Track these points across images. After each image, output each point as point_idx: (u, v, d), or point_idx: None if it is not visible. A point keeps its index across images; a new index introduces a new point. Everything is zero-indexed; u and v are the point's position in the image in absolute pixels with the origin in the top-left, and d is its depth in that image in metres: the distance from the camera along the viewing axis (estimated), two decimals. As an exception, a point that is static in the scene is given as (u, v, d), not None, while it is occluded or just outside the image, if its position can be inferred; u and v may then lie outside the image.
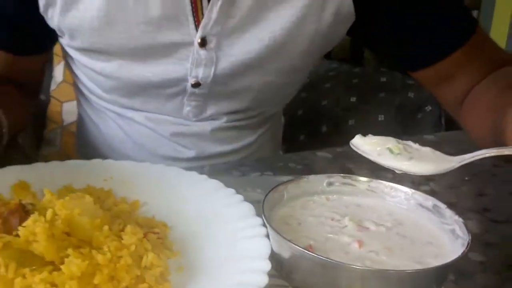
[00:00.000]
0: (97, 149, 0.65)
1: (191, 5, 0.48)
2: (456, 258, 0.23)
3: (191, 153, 0.58)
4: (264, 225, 0.31)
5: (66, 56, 0.60)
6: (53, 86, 0.98)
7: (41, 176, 0.40)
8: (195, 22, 0.49)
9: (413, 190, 0.31)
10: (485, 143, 0.54)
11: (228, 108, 0.57)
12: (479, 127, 0.53)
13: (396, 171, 0.31)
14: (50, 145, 0.96)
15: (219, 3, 0.48)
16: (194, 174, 0.40)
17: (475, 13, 3.49)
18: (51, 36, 0.55)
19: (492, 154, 0.31)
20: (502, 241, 0.36)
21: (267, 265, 0.25)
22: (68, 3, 0.49)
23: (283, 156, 0.54)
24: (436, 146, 0.66)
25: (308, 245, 0.26)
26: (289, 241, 0.24)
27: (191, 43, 0.50)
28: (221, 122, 0.58)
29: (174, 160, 0.57)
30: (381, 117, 0.92)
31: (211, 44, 0.51)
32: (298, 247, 0.24)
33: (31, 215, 0.26)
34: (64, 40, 0.55)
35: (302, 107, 0.95)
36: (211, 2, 0.47)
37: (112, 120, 0.62)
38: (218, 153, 0.58)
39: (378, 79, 0.97)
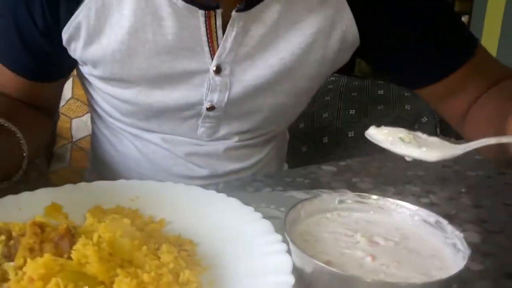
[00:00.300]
0: (111, 166, 0.67)
1: (207, 36, 0.50)
2: (459, 271, 0.26)
3: (204, 172, 0.61)
4: (283, 241, 0.34)
5: (83, 79, 0.61)
6: (62, 103, 1.00)
7: (71, 197, 0.42)
8: (210, 51, 0.52)
9: (417, 207, 0.34)
10: (488, 153, 0.57)
11: (239, 128, 0.59)
12: (481, 138, 0.56)
13: (407, 158, 0.35)
14: (60, 160, 0.98)
15: (233, 34, 0.50)
16: (213, 193, 0.43)
17: (465, 18, 3.55)
18: (71, 64, 0.57)
19: (493, 142, 0.34)
20: (498, 251, 0.39)
21: (291, 279, 0.28)
22: (91, 37, 0.51)
23: (291, 171, 0.57)
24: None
25: (326, 260, 0.29)
26: (311, 257, 0.27)
27: (206, 71, 0.53)
28: (233, 141, 0.61)
29: (188, 178, 0.60)
30: (379, 129, 0.95)
31: (225, 71, 0.53)
32: (319, 263, 0.27)
33: (79, 239, 0.29)
34: (85, 69, 0.57)
35: (304, 120, 0.98)
36: (226, 33, 0.50)
37: (128, 140, 0.64)
38: (230, 171, 0.61)
39: (375, 92, 1.00)
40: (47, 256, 0.25)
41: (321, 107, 0.98)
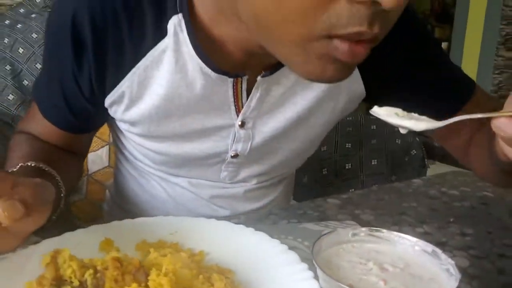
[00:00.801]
0: (136, 203, 0.71)
1: (233, 97, 0.55)
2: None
3: (226, 212, 0.66)
4: (309, 269, 0.41)
5: (115, 128, 0.65)
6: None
7: (119, 233, 0.48)
8: (236, 109, 0.57)
9: (416, 239, 0.41)
10: (490, 178, 0.64)
11: (258, 172, 0.65)
12: (481, 163, 0.61)
13: (401, 130, 0.42)
14: (78, 193, 1.04)
15: (257, 95, 0.56)
16: (242, 227, 0.50)
17: (445, 44, 3.69)
18: (109, 118, 0.61)
19: (477, 116, 0.39)
20: (483, 273, 0.46)
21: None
22: (132, 103, 0.56)
23: (301, 204, 0.64)
24: (422, 188, 0.78)
25: (349, 284, 0.36)
26: (337, 281, 0.34)
27: (232, 125, 0.58)
28: (252, 184, 0.67)
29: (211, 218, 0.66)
30: (374, 162, 1.03)
31: (249, 124, 0.59)
32: (345, 286, 0.34)
33: (150, 271, 0.36)
34: (122, 125, 0.61)
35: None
36: (251, 95, 0.56)
37: (156, 182, 0.68)
38: (249, 211, 0.67)
39: (369, 127, 1.09)
40: (134, 285, 0.32)
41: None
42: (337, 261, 0.40)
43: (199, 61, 0.51)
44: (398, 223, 0.59)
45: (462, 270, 0.45)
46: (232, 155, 0.61)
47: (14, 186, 0.38)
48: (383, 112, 0.44)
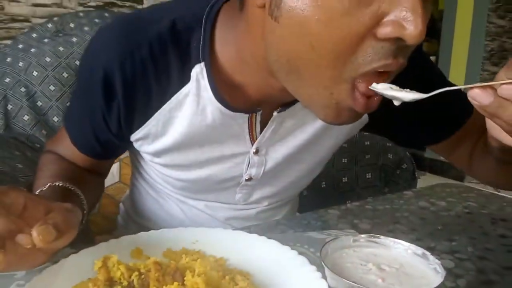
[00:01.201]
0: (154, 221, 0.75)
1: (249, 129, 0.60)
2: (438, 285, 0.40)
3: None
4: (318, 270, 0.47)
5: (137, 155, 0.70)
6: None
7: (146, 242, 0.53)
8: (250, 139, 0.61)
9: (408, 243, 0.48)
10: (494, 181, 0.69)
11: (269, 193, 0.70)
12: (484, 169, 0.66)
13: (394, 102, 0.45)
14: (91, 207, 1.09)
15: (272, 127, 0.60)
16: (255, 236, 0.56)
17: (433, 58, 3.78)
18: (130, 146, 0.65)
19: (457, 88, 0.43)
20: (466, 273, 0.52)
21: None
22: (156, 137, 0.60)
23: (305, 215, 0.70)
24: (413, 199, 0.85)
25: (352, 281, 0.42)
26: (343, 278, 0.41)
27: (247, 152, 0.63)
28: (263, 205, 0.72)
29: None
30: (368, 175, 1.10)
31: (262, 151, 0.63)
32: (350, 282, 0.40)
33: (185, 273, 0.42)
34: (146, 156, 0.66)
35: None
36: (266, 127, 0.60)
37: (174, 203, 0.72)
38: None
39: (363, 143, 1.15)
40: (175, 284, 0.38)
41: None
42: (341, 263, 0.46)
43: (218, 104, 0.56)
44: (392, 231, 0.65)
45: (448, 270, 0.51)
46: (247, 178, 0.66)
47: (48, 211, 0.43)
48: (380, 87, 0.46)
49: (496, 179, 0.69)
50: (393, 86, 0.45)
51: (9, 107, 1.14)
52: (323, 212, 0.72)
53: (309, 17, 0.40)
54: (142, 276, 0.40)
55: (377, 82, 0.45)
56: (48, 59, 1.20)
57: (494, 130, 0.43)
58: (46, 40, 1.24)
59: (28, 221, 0.41)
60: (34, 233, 0.40)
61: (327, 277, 0.43)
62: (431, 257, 0.45)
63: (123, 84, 0.55)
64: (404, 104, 0.61)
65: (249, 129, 0.60)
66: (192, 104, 0.56)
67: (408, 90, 0.45)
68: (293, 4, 0.41)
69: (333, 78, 0.43)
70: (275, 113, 0.59)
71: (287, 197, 0.76)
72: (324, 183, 1.10)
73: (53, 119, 1.16)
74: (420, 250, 0.47)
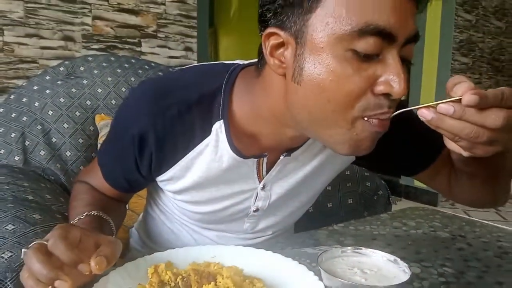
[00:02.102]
0: (167, 248, 0.79)
1: (257, 170, 0.69)
2: (406, 280, 0.53)
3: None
4: (315, 275, 0.60)
5: (156, 188, 0.77)
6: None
7: (173, 258, 0.63)
8: (258, 178, 0.70)
9: (384, 253, 0.61)
10: (473, 201, 0.77)
11: (273, 222, 0.79)
12: (461, 192, 0.74)
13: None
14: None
15: (277, 168, 0.69)
16: (263, 251, 0.67)
17: (404, 96, 3.97)
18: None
19: (401, 111, 0.56)
20: (429, 276, 0.65)
21: (325, 292, 0.54)
22: (178, 179, 0.69)
23: (300, 235, 0.82)
24: (388, 220, 0.99)
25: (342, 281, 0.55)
26: (337, 277, 0.53)
27: (255, 188, 0.71)
28: (268, 234, 0.81)
29: None
30: (350, 201, 1.23)
31: (268, 187, 0.72)
32: (342, 280, 0.53)
33: (216, 277, 0.54)
34: (169, 194, 0.74)
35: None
36: (272, 169, 0.69)
37: (187, 233, 0.80)
38: None
39: (344, 172, 1.29)
40: (212, 284, 0.50)
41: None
42: (333, 269, 0.59)
43: (233, 154, 0.65)
44: (371, 246, 0.78)
45: (415, 274, 0.65)
46: (254, 209, 0.75)
47: (97, 243, 0.53)
48: None
49: (471, 197, 0.76)
50: None
51: (27, 143, 1.24)
52: (314, 232, 0.85)
53: (324, 79, 0.52)
54: (185, 279, 0.51)
55: (383, 124, 0.56)
56: (62, 100, 1.31)
57: (446, 142, 0.53)
58: (59, 82, 1.36)
59: (83, 252, 0.51)
60: (92, 263, 0.50)
61: (323, 279, 0.56)
62: (401, 262, 0.58)
63: (155, 139, 0.63)
64: (386, 145, 0.68)
65: (257, 170, 0.69)
66: (211, 153, 0.66)
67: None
68: (312, 71, 0.53)
69: (346, 119, 0.54)
70: (281, 157, 0.68)
71: (287, 226, 0.87)
72: (311, 208, 1.22)
73: (66, 153, 1.26)
74: (392, 257, 0.60)
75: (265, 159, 0.69)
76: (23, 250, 0.50)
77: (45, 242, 0.51)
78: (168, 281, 0.51)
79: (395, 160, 0.76)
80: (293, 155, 0.69)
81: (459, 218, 0.96)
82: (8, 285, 0.64)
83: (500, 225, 0.92)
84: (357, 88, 0.52)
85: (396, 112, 0.56)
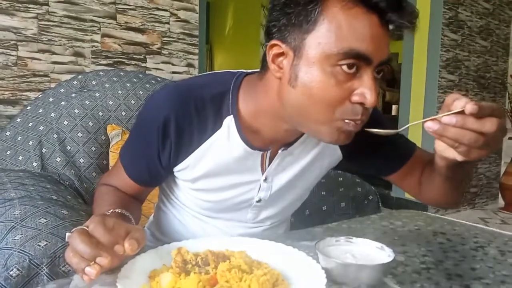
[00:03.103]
0: (176, 238, 0.91)
1: (261, 162, 0.79)
2: (390, 261, 0.62)
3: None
4: (313, 258, 0.68)
5: (171, 183, 0.86)
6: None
7: (190, 247, 0.73)
8: (261, 170, 0.80)
9: (373, 241, 0.70)
10: (440, 201, 0.87)
11: (272, 213, 0.88)
12: (430, 191, 0.84)
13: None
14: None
15: (277, 161, 0.79)
16: (268, 241, 0.76)
17: (395, 106, 4.02)
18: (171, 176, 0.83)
19: (411, 124, 0.71)
20: (412, 263, 0.74)
21: (322, 272, 0.63)
22: (193, 168, 0.78)
23: (298, 232, 0.91)
24: (377, 220, 1.09)
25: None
26: (332, 258, 0.63)
27: (258, 180, 0.81)
28: (267, 224, 0.90)
29: None
30: (342, 204, 1.31)
31: (269, 179, 0.81)
32: (337, 260, 0.62)
33: (230, 258, 0.62)
34: (184, 184, 0.83)
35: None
36: (272, 162, 0.79)
37: (197, 225, 0.88)
38: None
39: (337, 179, 1.38)
40: (227, 262, 0.59)
41: (302, 190, 1.35)
42: (329, 254, 0.68)
43: (243, 143, 0.76)
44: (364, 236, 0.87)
45: (399, 261, 0.74)
46: (257, 200, 0.84)
47: (127, 230, 0.62)
48: None
49: (441, 196, 0.86)
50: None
51: (44, 150, 1.32)
52: (311, 229, 0.93)
53: (313, 87, 0.64)
54: (203, 259, 0.60)
55: (356, 126, 0.68)
56: (76, 111, 1.40)
57: (442, 149, 0.63)
58: (73, 95, 1.45)
59: (116, 237, 0.60)
60: (126, 244, 0.59)
61: (320, 261, 0.65)
62: (387, 248, 0.67)
63: (176, 129, 0.73)
64: (365, 147, 0.84)
65: (260, 163, 0.80)
66: (223, 144, 0.75)
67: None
68: (304, 79, 0.64)
69: (328, 119, 0.66)
70: (280, 151, 0.79)
71: (283, 218, 0.96)
72: (307, 211, 1.30)
73: (80, 160, 1.34)
74: (380, 245, 0.69)
75: (268, 153, 0.79)
76: (67, 233, 0.58)
77: (85, 228, 0.59)
78: (190, 260, 0.60)
79: (372, 161, 0.88)
80: (289, 149, 0.80)
81: (441, 219, 1.05)
82: (44, 269, 0.72)
83: (477, 225, 1.02)
84: (337, 97, 0.64)
85: (405, 126, 0.70)
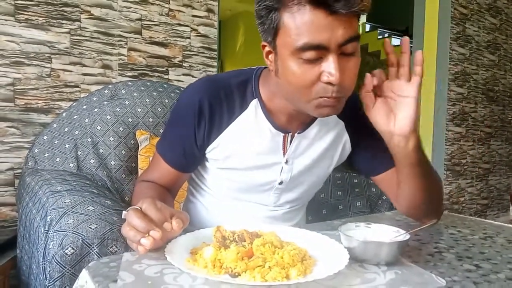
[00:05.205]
0: (203, 226, 0.95)
1: (283, 144, 0.89)
2: (407, 239, 0.69)
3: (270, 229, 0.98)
4: (337, 240, 0.75)
5: (201, 171, 0.96)
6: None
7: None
8: (283, 152, 0.89)
9: (389, 226, 0.77)
10: (412, 211, 0.93)
11: (291, 198, 0.97)
12: (404, 198, 0.91)
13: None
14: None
15: (295, 144, 0.89)
16: (291, 227, 0.84)
17: None
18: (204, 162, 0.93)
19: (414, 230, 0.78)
20: (425, 248, 0.81)
21: (345, 251, 0.70)
22: (225, 145, 0.88)
23: (320, 224, 0.97)
24: (392, 215, 1.16)
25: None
26: (353, 237, 0.69)
27: (281, 162, 0.90)
28: (286, 208, 0.97)
29: None
30: (358, 204, 1.37)
31: (290, 161, 0.90)
32: (359, 239, 0.69)
33: (261, 236, 0.70)
34: (214, 163, 0.92)
35: (310, 199, 1.39)
36: (291, 143, 0.88)
37: (223, 209, 0.97)
38: None
39: (352, 180, 1.44)
40: (261, 238, 0.66)
41: (319, 191, 1.39)
42: (349, 235, 0.75)
43: (269, 124, 0.87)
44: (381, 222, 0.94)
45: (413, 247, 0.80)
46: (279, 182, 0.93)
47: (171, 212, 0.70)
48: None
49: (414, 211, 0.93)
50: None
51: (79, 153, 1.41)
52: (330, 222, 1.01)
53: (290, 75, 0.75)
54: (240, 236, 0.68)
55: (334, 101, 0.77)
56: (108, 117, 1.49)
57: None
58: (105, 103, 1.54)
59: (165, 216, 0.68)
60: (174, 222, 0.67)
61: (342, 241, 0.72)
62: (401, 230, 0.74)
63: (209, 110, 0.85)
64: (367, 144, 0.95)
65: (282, 146, 0.90)
66: (250, 123, 0.87)
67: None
68: (283, 71, 0.77)
69: (308, 98, 0.77)
70: (296, 134, 0.89)
71: (300, 203, 1.03)
72: (324, 210, 1.36)
73: (111, 163, 1.43)
74: (395, 229, 0.76)
75: (288, 136, 0.89)
76: (123, 212, 0.67)
77: (138, 207, 0.67)
78: (228, 236, 0.68)
79: (362, 162, 0.98)
80: (304, 133, 0.91)
81: (452, 216, 1.12)
82: (95, 249, 0.79)
83: (486, 220, 1.08)
84: (309, 81, 0.74)
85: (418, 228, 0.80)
